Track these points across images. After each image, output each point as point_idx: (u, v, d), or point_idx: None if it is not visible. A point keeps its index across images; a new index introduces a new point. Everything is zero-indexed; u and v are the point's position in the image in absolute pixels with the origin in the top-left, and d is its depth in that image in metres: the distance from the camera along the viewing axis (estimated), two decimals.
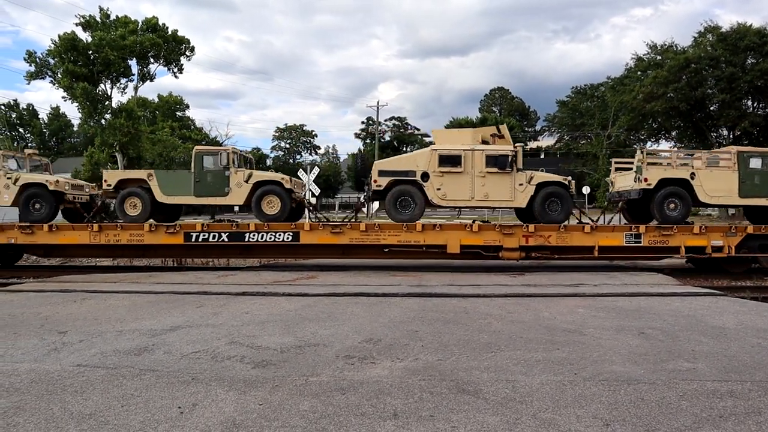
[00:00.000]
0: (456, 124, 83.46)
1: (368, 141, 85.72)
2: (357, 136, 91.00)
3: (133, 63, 49.40)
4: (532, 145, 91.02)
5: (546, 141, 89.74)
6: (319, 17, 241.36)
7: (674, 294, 10.28)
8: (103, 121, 46.09)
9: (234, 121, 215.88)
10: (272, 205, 14.80)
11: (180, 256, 17.10)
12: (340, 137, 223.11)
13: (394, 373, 5.43)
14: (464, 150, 14.40)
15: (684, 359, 5.87)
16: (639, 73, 49.58)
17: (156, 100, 65.41)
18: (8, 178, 15.25)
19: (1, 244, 15.37)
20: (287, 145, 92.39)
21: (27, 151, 17.25)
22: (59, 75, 44.83)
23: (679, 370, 5.47)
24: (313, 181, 25.61)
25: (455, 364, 5.73)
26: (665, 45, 47.25)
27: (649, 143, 60.86)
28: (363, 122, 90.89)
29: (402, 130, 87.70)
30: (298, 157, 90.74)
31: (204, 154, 15.12)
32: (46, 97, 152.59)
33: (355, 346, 6.47)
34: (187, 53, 52.73)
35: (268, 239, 14.64)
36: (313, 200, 25.98)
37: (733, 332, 7.15)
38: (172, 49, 51.09)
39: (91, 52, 44.79)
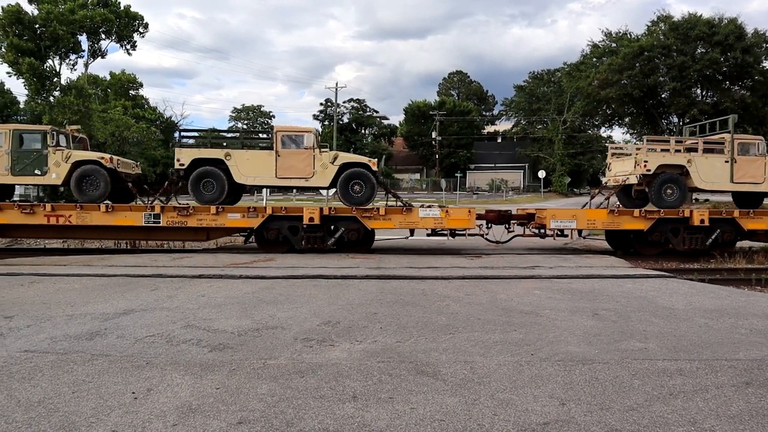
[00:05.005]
0: (414, 107, 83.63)
1: (326, 123, 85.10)
2: (315, 117, 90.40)
3: (83, 39, 47.66)
4: (490, 129, 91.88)
5: (503, 125, 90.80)
6: None
7: (626, 276, 10.53)
8: (51, 98, 44.36)
9: (189, 100, 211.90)
10: None
11: None
12: (298, 119, 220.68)
13: (353, 355, 5.41)
14: None
15: (636, 339, 6.02)
16: (594, 59, 50.47)
17: (108, 77, 63.34)
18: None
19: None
20: (244, 126, 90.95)
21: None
22: (3, 49, 42.84)
23: (631, 350, 5.61)
24: None
25: (414, 345, 5.75)
26: (620, 33, 48.22)
27: (602, 129, 62.29)
28: (321, 104, 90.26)
29: (361, 113, 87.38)
30: None
31: None
32: None
33: (314, 328, 6.43)
34: (141, 29, 51.13)
35: None
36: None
37: (682, 313, 7.38)
38: (124, 24, 49.45)
39: (38, 25, 42.85)
